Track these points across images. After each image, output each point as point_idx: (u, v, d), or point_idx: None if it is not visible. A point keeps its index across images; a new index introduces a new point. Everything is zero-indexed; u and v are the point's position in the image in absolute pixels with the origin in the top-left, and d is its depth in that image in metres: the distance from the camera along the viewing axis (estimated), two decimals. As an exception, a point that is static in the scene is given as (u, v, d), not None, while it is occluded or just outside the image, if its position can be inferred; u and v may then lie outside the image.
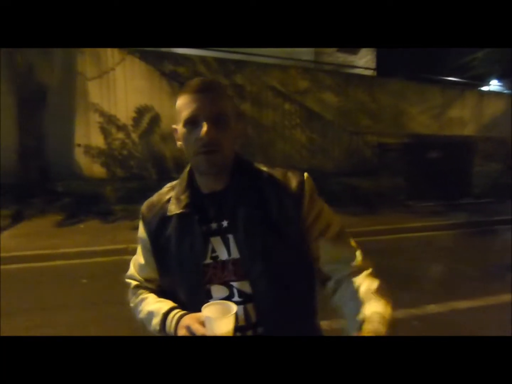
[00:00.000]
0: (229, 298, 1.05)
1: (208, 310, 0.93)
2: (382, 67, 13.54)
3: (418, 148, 9.63)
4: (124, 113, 8.94)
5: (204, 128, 0.99)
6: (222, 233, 1.07)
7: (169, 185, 1.19)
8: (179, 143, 1.08)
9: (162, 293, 1.17)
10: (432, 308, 3.76)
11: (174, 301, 1.12)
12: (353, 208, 7.96)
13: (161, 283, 1.17)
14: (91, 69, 8.63)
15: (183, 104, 1.03)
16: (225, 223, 1.07)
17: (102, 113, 8.71)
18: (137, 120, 9.00)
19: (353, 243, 1.09)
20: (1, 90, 7.82)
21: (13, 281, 4.60)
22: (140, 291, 1.21)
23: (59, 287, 4.42)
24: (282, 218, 1.04)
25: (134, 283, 1.23)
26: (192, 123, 1.01)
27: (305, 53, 12.05)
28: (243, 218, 1.04)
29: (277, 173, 1.10)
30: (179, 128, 1.05)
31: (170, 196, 1.13)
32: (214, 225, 1.07)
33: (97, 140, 8.73)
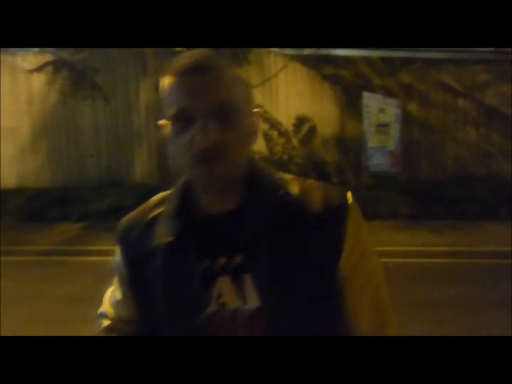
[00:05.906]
0: None
1: None
2: None
3: None
4: (286, 118, 9.20)
5: (202, 127, 0.70)
6: (233, 271, 0.77)
7: (157, 196, 0.87)
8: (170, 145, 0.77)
9: None
10: None
11: None
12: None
13: (142, 328, 0.85)
14: (255, 77, 8.98)
15: (170, 93, 0.73)
16: (238, 259, 0.77)
17: (265, 119, 9.00)
18: (297, 126, 9.18)
19: None
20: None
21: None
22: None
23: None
24: (317, 250, 0.76)
25: (105, 323, 0.90)
26: (183, 119, 0.72)
27: (484, 43, 10.75)
28: (268, 251, 0.75)
29: (310, 189, 0.81)
30: (166, 125, 0.75)
31: (158, 213, 0.83)
32: (222, 260, 0.77)
33: (260, 145, 9.05)
